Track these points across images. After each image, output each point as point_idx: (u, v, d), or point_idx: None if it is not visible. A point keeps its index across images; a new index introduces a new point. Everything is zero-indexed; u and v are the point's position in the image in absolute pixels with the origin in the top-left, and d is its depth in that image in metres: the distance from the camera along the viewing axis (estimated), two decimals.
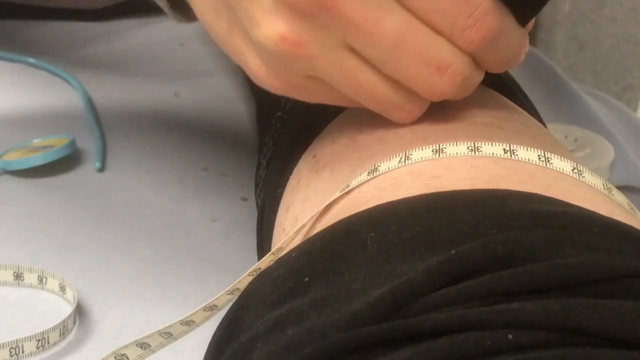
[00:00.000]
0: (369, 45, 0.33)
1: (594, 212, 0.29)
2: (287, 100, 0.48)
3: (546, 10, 1.69)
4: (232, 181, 0.65)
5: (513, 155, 0.33)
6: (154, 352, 0.35)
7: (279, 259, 0.31)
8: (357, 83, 0.35)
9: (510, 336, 0.22)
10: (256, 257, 0.47)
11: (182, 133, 0.71)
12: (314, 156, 0.39)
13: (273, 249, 0.34)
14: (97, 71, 0.80)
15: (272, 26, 0.33)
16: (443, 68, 0.34)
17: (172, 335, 0.35)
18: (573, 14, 1.54)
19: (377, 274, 0.26)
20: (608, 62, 1.45)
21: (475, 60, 0.35)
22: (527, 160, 0.33)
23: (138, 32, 0.88)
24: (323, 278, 0.27)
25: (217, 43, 0.38)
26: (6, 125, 0.70)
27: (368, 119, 0.38)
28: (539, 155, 0.33)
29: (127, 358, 0.35)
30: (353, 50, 0.34)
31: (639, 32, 1.36)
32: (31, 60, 0.80)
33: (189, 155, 0.68)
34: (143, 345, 0.35)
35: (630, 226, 0.28)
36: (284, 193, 0.40)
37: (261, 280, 0.31)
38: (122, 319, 0.50)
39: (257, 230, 0.48)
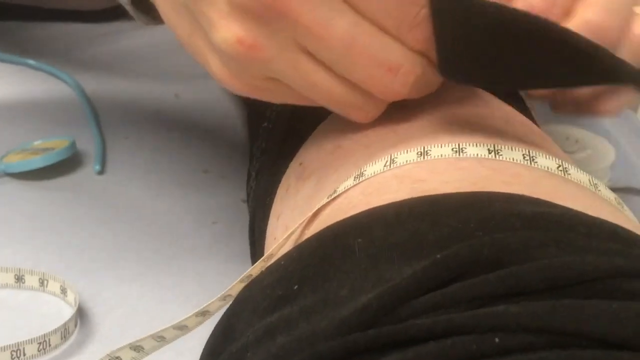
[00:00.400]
0: (321, 48, 0.34)
1: (580, 212, 0.29)
2: (272, 110, 0.49)
3: None
4: (232, 183, 0.65)
5: (498, 156, 0.33)
6: (148, 354, 0.35)
7: (269, 266, 0.31)
8: (313, 84, 0.35)
9: (496, 340, 0.22)
10: None
11: (182, 135, 0.72)
12: (300, 164, 0.39)
13: (264, 256, 0.34)
14: (97, 73, 0.80)
15: (229, 29, 0.34)
16: (395, 69, 0.34)
17: (165, 339, 0.35)
18: None
19: (365, 279, 0.26)
20: None
21: (431, 59, 0.35)
22: (511, 160, 0.33)
23: (138, 33, 0.88)
24: (312, 285, 0.27)
25: (182, 45, 0.39)
26: (6, 127, 0.70)
27: (352, 124, 0.38)
28: (523, 155, 0.33)
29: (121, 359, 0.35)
30: (308, 52, 0.34)
31: None
32: (31, 62, 0.80)
33: (190, 157, 0.68)
34: (137, 348, 0.35)
35: (617, 225, 0.28)
36: (274, 201, 0.41)
37: (252, 288, 0.31)
38: (123, 322, 0.50)
39: (250, 241, 0.48)
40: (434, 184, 0.31)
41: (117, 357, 0.35)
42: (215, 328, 0.31)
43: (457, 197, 0.29)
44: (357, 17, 0.33)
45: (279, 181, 0.41)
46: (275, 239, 0.39)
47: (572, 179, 0.33)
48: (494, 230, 0.26)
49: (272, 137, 0.47)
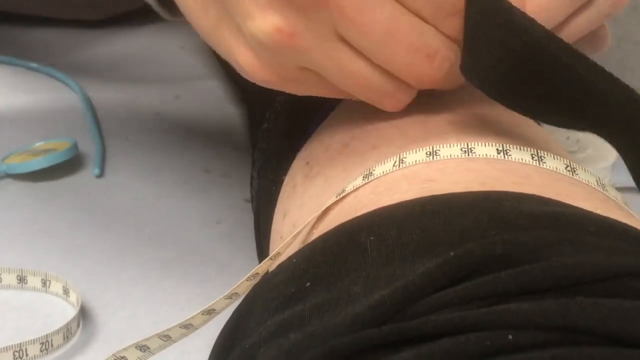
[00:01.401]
0: (361, 37, 0.34)
1: (590, 212, 0.29)
2: (271, 111, 0.49)
3: None
4: (235, 182, 0.65)
5: (506, 156, 0.33)
6: (154, 354, 0.35)
7: (280, 264, 0.31)
8: (350, 73, 0.35)
9: (510, 337, 0.22)
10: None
11: (183, 135, 0.72)
12: (307, 163, 0.40)
13: (270, 254, 0.34)
14: (98, 74, 0.80)
15: (267, 19, 0.33)
16: (432, 55, 0.34)
17: (170, 338, 0.35)
18: None
19: (377, 277, 0.26)
20: (609, 62, 1.45)
21: None
22: (520, 160, 0.33)
23: (138, 35, 0.89)
24: (324, 283, 0.27)
25: (203, 37, 0.39)
26: (8, 129, 0.70)
27: (359, 125, 0.38)
28: (532, 155, 0.33)
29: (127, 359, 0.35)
30: (346, 42, 0.34)
31: None
32: (32, 64, 0.80)
33: (191, 157, 0.69)
34: (142, 347, 0.35)
35: (627, 225, 0.28)
36: (279, 200, 0.41)
37: (263, 285, 0.31)
38: (126, 322, 0.50)
39: (256, 240, 0.48)
40: (443, 184, 0.31)
41: (122, 357, 0.35)
42: (225, 325, 0.31)
43: (469, 196, 0.29)
44: (396, 5, 0.33)
45: (281, 180, 0.41)
46: (281, 237, 0.39)
47: (580, 180, 0.33)
48: (506, 229, 0.26)
49: (271, 136, 0.48)
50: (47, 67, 0.80)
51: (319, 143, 0.40)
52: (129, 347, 0.35)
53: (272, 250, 0.40)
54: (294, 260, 0.30)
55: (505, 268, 0.24)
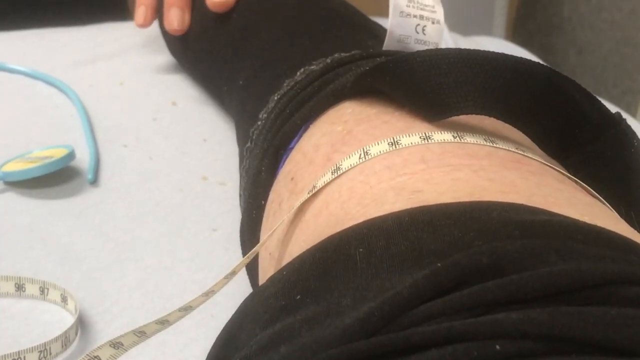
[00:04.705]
0: None
1: (577, 220, 0.29)
2: (254, 129, 0.50)
3: (545, 14, 1.70)
4: (232, 190, 0.65)
5: (462, 139, 0.35)
6: (127, 350, 0.36)
7: (271, 277, 0.32)
8: None
9: (497, 346, 0.22)
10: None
11: (180, 142, 0.72)
12: (292, 179, 0.40)
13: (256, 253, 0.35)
14: (94, 81, 0.80)
15: None
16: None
17: (145, 333, 0.36)
18: (572, 18, 1.54)
19: (366, 289, 0.26)
20: (607, 65, 1.45)
21: None
22: (474, 143, 0.35)
23: (135, 40, 0.89)
24: (314, 295, 0.28)
25: None
26: (5, 136, 0.70)
27: (340, 136, 0.39)
28: (484, 139, 0.35)
29: (100, 359, 0.35)
30: None
31: (638, 35, 1.36)
32: (27, 70, 0.80)
33: (188, 164, 0.69)
34: (116, 345, 0.35)
35: (614, 232, 0.28)
36: (265, 218, 0.42)
37: (254, 298, 0.31)
38: (123, 329, 0.49)
39: (243, 253, 0.49)
40: (431, 195, 0.32)
41: (95, 357, 0.35)
42: (217, 338, 0.31)
43: (457, 206, 0.30)
44: None
45: (261, 204, 0.43)
46: (270, 254, 0.39)
47: (532, 157, 0.35)
48: (493, 239, 0.27)
49: (252, 156, 0.48)
50: (43, 74, 0.80)
51: (303, 157, 0.41)
52: (103, 345, 0.35)
53: (261, 265, 0.41)
54: (284, 273, 0.30)
55: (492, 278, 0.25)
